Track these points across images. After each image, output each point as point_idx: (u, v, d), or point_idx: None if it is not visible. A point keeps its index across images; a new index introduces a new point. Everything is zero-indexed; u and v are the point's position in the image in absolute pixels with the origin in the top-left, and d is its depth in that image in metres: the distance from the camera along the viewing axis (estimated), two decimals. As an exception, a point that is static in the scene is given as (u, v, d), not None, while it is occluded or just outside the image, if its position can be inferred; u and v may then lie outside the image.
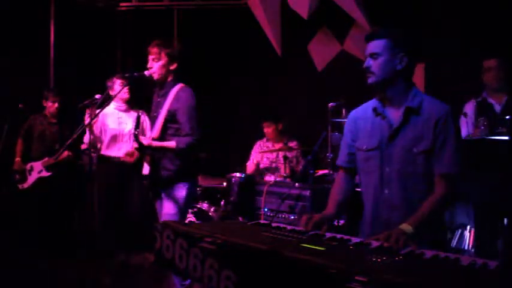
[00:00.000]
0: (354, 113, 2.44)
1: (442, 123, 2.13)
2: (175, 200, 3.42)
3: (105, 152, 4.89)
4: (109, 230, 4.76)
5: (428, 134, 2.14)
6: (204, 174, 5.27)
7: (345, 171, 2.43)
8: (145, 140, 3.35)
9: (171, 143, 3.37)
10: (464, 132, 3.97)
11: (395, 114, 2.23)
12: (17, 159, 5.34)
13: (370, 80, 2.22)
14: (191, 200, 3.58)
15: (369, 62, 2.21)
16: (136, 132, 3.38)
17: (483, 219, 3.91)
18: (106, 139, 4.89)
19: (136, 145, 3.37)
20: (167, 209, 3.42)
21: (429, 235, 2.09)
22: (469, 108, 4.09)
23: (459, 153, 2.13)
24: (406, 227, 1.97)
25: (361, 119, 2.36)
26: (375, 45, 2.20)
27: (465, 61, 4.86)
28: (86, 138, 4.63)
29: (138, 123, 3.49)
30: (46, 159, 5.22)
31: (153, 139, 3.41)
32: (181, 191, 3.43)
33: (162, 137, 3.43)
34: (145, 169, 3.53)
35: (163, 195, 3.46)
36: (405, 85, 2.22)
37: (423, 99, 2.20)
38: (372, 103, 2.33)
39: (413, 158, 2.15)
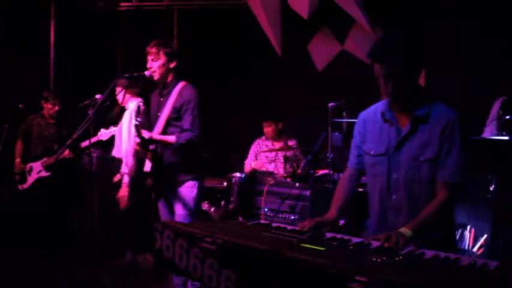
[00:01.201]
0: (363, 114, 2.41)
1: (448, 131, 2.11)
2: (186, 200, 3.41)
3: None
4: (109, 230, 4.75)
5: (434, 142, 2.12)
6: (204, 174, 5.25)
7: (354, 171, 2.43)
8: (146, 134, 3.24)
9: (171, 137, 3.34)
10: (487, 134, 3.89)
11: (404, 121, 2.20)
12: (17, 160, 5.35)
13: (396, 102, 2.20)
14: (201, 199, 3.56)
15: (390, 87, 2.12)
16: (137, 123, 3.16)
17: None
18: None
19: (138, 140, 3.22)
20: (180, 210, 3.41)
21: (436, 234, 2.09)
22: (496, 106, 3.94)
23: (463, 163, 2.10)
24: (405, 230, 1.97)
25: (370, 121, 2.34)
26: (388, 69, 2.10)
27: (465, 61, 4.86)
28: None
29: (138, 112, 3.23)
30: (45, 159, 5.21)
31: None
32: (191, 191, 3.42)
33: (164, 134, 3.41)
34: (147, 166, 3.47)
35: (173, 195, 3.44)
36: (414, 91, 2.19)
37: (432, 106, 2.17)
38: (381, 106, 2.30)
39: (419, 166, 2.14)
